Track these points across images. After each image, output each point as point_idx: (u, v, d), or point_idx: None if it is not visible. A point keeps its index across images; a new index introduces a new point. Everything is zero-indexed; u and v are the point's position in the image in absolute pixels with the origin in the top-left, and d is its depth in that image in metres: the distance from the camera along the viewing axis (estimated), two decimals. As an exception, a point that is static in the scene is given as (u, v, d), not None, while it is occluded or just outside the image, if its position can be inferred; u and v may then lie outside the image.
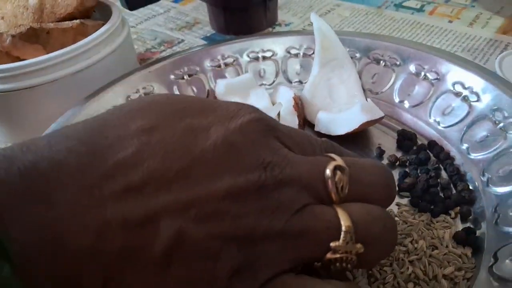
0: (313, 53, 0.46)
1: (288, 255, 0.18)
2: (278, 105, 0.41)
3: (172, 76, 0.45)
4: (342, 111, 0.41)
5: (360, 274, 0.29)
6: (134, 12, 0.71)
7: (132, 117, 0.18)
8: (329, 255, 0.18)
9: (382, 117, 0.38)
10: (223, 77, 0.46)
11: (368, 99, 0.40)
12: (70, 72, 0.42)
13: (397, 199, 0.34)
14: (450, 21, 0.57)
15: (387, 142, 0.39)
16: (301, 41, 0.47)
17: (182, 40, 0.62)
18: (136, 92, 0.42)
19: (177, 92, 0.44)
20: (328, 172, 0.19)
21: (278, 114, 0.41)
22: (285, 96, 0.42)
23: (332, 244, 0.18)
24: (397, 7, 0.62)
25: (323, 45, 0.44)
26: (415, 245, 0.29)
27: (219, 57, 0.47)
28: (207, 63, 0.47)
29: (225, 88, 0.44)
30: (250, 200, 0.17)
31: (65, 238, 0.15)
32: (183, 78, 0.45)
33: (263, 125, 0.20)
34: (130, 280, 0.16)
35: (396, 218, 0.32)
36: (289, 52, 0.47)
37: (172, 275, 0.16)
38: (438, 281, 0.27)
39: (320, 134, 0.40)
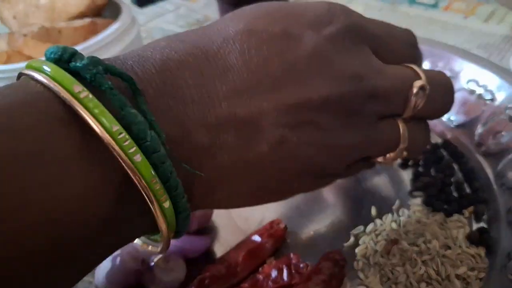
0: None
1: (361, 155, 0.22)
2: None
3: None
4: None
5: (371, 273, 0.29)
6: (144, 10, 0.71)
7: (230, 22, 0.19)
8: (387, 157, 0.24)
9: None
10: None
11: None
12: (81, 71, 0.42)
13: (410, 199, 0.34)
14: (465, 17, 0.56)
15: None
16: None
17: None
18: None
19: None
20: (415, 91, 0.21)
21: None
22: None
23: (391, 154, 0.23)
24: (411, 2, 0.61)
25: None
26: (428, 245, 0.29)
27: None
28: None
29: None
30: (334, 110, 0.19)
31: (192, 134, 0.17)
32: None
33: (355, 32, 0.20)
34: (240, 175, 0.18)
35: (409, 218, 0.32)
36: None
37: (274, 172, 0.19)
38: (451, 281, 0.27)
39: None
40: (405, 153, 0.23)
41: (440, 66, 0.40)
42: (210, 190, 0.18)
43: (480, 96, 0.36)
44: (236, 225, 0.34)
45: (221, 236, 0.33)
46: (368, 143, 0.21)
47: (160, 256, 0.29)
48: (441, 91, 0.23)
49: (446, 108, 0.24)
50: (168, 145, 0.15)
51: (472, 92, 0.37)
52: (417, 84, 0.20)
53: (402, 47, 0.23)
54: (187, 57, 0.17)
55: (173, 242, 0.31)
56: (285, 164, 0.19)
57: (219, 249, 0.32)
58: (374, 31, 0.21)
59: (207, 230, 0.33)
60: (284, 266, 0.29)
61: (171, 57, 0.17)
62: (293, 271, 0.29)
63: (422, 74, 0.21)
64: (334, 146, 0.20)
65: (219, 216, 0.34)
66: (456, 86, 0.38)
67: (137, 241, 0.20)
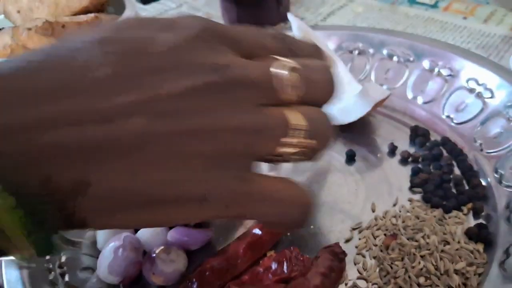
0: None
1: (250, 149, 0.20)
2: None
3: None
4: (343, 99, 0.41)
5: (371, 267, 0.29)
6: (147, 7, 0.71)
7: (91, 32, 0.19)
8: (283, 149, 0.20)
9: (389, 95, 0.38)
10: None
11: (371, 81, 0.40)
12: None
13: (409, 195, 0.34)
14: (465, 18, 0.56)
15: (400, 138, 0.39)
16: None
17: None
18: None
19: None
20: (277, 73, 0.20)
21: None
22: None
23: (283, 140, 0.20)
24: (411, 3, 0.62)
25: None
26: (427, 240, 0.29)
27: None
28: None
29: None
30: (206, 98, 0.19)
31: (34, 133, 0.16)
32: None
33: (211, 34, 0.20)
34: (101, 171, 0.17)
35: (408, 214, 0.32)
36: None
37: (142, 170, 0.17)
38: (450, 275, 0.27)
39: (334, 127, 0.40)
40: (313, 141, 0.21)
41: (440, 65, 0.40)
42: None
43: (479, 94, 0.37)
44: (240, 221, 0.34)
45: (222, 228, 0.33)
46: (249, 129, 0.19)
47: (161, 247, 0.29)
48: (317, 74, 0.23)
49: (327, 90, 0.24)
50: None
51: (471, 90, 0.38)
52: (279, 67, 0.20)
53: (268, 45, 0.23)
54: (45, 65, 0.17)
55: (174, 234, 0.31)
56: (165, 159, 0.18)
57: (220, 242, 0.32)
58: (233, 35, 0.21)
59: (208, 223, 0.34)
60: (284, 259, 0.29)
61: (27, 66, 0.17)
62: (293, 264, 0.29)
63: (285, 60, 0.21)
64: (215, 130, 0.18)
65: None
66: (456, 84, 0.39)
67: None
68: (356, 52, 0.45)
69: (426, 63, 0.41)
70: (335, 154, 0.38)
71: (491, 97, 0.36)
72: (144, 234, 0.31)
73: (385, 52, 0.44)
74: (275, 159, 0.21)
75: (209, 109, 0.18)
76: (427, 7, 0.60)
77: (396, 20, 0.58)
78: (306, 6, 0.64)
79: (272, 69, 0.20)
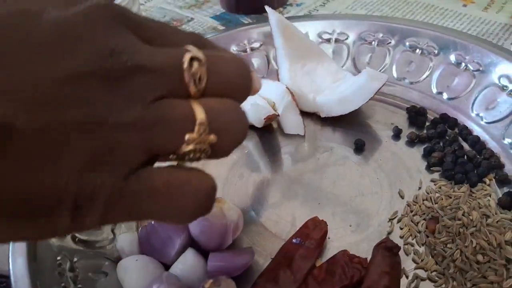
0: (347, 38, 0.45)
1: (143, 146, 0.17)
2: (282, 99, 0.38)
3: None
4: (337, 89, 0.40)
5: (424, 255, 0.29)
6: None
7: None
8: (183, 147, 0.18)
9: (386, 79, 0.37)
10: (250, 63, 0.44)
11: (367, 67, 0.39)
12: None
13: (428, 175, 0.34)
14: (465, 5, 0.56)
15: (399, 121, 0.39)
16: (334, 25, 0.46)
17: (192, 19, 0.59)
18: None
19: None
20: (184, 62, 0.18)
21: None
22: (277, 90, 0.40)
23: (186, 136, 0.17)
24: None
25: (286, 36, 0.42)
26: (470, 217, 0.30)
27: (245, 41, 0.45)
28: (233, 48, 0.44)
29: None
30: (96, 87, 0.16)
31: None
32: None
33: (112, 11, 0.17)
34: None
35: (438, 194, 0.32)
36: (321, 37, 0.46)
37: (9, 169, 0.14)
38: (504, 247, 0.28)
39: (331, 119, 0.39)
40: (212, 137, 0.18)
41: (467, 59, 0.39)
42: None
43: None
44: (267, 230, 0.31)
45: (257, 245, 0.30)
46: (145, 124, 0.17)
47: (209, 280, 0.25)
48: (228, 66, 0.20)
49: (240, 84, 0.21)
50: None
51: (503, 88, 0.37)
52: (187, 56, 0.18)
53: (179, 36, 0.20)
54: None
55: (214, 262, 0.28)
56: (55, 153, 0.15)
57: (260, 259, 0.30)
58: (141, 20, 0.19)
59: (241, 242, 0.31)
60: (338, 266, 0.28)
61: None
62: (350, 269, 0.27)
63: (195, 49, 0.19)
64: (102, 123, 0.16)
65: (248, 224, 0.32)
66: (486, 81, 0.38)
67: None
68: (376, 43, 0.43)
69: (452, 57, 0.40)
70: (343, 146, 0.37)
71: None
72: (180, 268, 0.27)
73: (407, 43, 0.42)
74: (179, 157, 0.18)
75: (96, 99, 0.16)
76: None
77: (395, 6, 0.57)
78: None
79: (179, 59, 0.18)
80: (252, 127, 0.38)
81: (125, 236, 0.29)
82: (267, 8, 0.42)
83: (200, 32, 0.53)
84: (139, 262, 0.27)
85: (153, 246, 0.28)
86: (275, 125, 0.40)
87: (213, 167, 0.37)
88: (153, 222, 0.29)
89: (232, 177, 0.35)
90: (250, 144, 0.38)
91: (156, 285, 0.25)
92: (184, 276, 0.27)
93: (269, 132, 0.39)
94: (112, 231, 0.31)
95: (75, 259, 0.28)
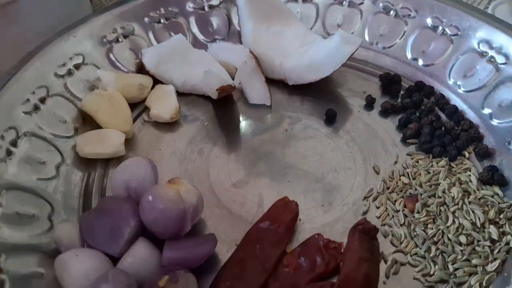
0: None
1: None
2: (244, 65, 0.34)
3: (146, 19, 0.37)
4: (307, 53, 0.36)
5: (404, 237, 0.26)
6: None
7: None
8: None
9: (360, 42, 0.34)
10: (208, 22, 0.39)
11: (339, 29, 0.36)
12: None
13: (405, 149, 0.32)
14: None
15: (372, 89, 0.36)
16: None
17: None
18: (113, 32, 0.36)
19: (152, 38, 0.38)
20: None
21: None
22: (240, 54, 0.36)
23: None
24: None
25: None
26: (451, 194, 0.27)
27: None
28: (189, 5, 0.39)
29: (158, 57, 0.35)
30: None
31: None
32: (159, 22, 0.38)
33: None
34: None
35: (415, 169, 0.30)
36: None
37: None
38: (487, 227, 0.26)
39: (299, 87, 0.35)
40: None
41: (444, 22, 0.36)
42: None
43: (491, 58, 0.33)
44: (231, 213, 0.28)
45: (220, 231, 0.27)
46: None
47: (165, 276, 0.22)
48: None
49: None
50: None
51: (483, 54, 0.34)
52: None
53: None
54: None
55: (170, 254, 0.24)
56: None
57: (223, 247, 0.26)
58: None
59: (201, 228, 0.27)
60: (313, 251, 0.25)
61: None
62: (327, 255, 0.24)
63: None
64: None
65: (209, 207, 0.28)
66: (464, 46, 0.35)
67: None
68: (347, 3, 0.39)
69: (429, 21, 0.37)
70: (313, 117, 0.34)
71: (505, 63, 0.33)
72: (130, 262, 0.23)
73: (380, 4, 0.38)
74: None
75: None
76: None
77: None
78: None
79: None
80: (210, 97, 0.34)
81: (64, 225, 0.25)
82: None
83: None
84: (80, 257, 0.23)
85: (97, 236, 0.24)
86: (237, 95, 0.36)
87: (170, 143, 0.33)
88: (96, 206, 0.25)
89: (191, 153, 0.31)
90: (209, 116, 0.34)
91: (102, 285, 0.21)
92: (135, 271, 0.23)
93: (230, 104, 0.35)
94: (49, 218, 0.26)
95: (2, 258, 0.23)
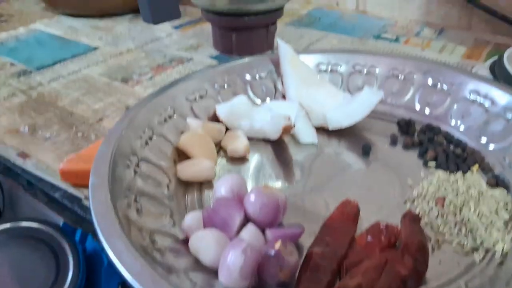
0: (340, 67, 0.53)
1: None
2: (299, 112, 0.45)
3: (216, 85, 0.49)
4: (342, 105, 0.47)
5: (437, 225, 0.35)
6: (136, 34, 0.79)
7: None
8: None
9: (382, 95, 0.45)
10: (260, 88, 0.51)
11: (365, 86, 0.47)
12: None
13: (427, 169, 0.41)
14: (422, 50, 0.67)
15: (392, 130, 0.46)
16: (328, 58, 0.53)
17: (191, 58, 0.68)
18: (193, 93, 0.47)
19: (219, 97, 0.48)
20: None
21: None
22: (291, 106, 0.47)
23: None
24: (376, 38, 0.73)
25: (293, 64, 0.51)
26: (469, 192, 0.36)
27: (254, 70, 0.52)
28: (247, 76, 0.51)
29: (228, 110, 0.46)
30: None
31: None
32: (223, 87, 0.50)
33: None
34: None
35: (437, 181, 0.39)
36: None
37: None
38: (499, 212, 0.34)
39: (335, 132, 0.46)
40: None
41: (441, 80, 0.48)
42: None
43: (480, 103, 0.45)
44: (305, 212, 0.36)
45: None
46: None
47: (279, 241, 0.29)
48: None
49: None
50: None
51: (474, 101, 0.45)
52: None
53: None
54: None
55: (274, 231, 0.32)
56: None
57: (306, 238, 0.34)
58: None
59: (286, 223, 0.35)
60: (378, 231, 0.33)
61: None
62: (389, 232, 0.32)
63: None
64: None
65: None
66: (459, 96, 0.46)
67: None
68: (365, 71, 0.52)
69: (429, 81, 0.49)
70: (350, 151, 0.44)
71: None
72: (246, 238, 0.31)
73: (391, 72, 0.51)
74: None
75: None
76: (391, 41, 0.71)
77: (365, 50, 0.66)
78: (286, 39, 0.68)
79: None
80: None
81: (192, 214, 0.33)
82: (278, 40, 0.49)
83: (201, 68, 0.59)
84: (211, 230, 0.31)
85: (215, 225, 0.32)
86: (287, 139, 0.46)
87: (244, 171, 0.41)
88: (211, 206, 0.33)
89: (262, 177, 0.40)
90: (268, 154, 0.44)
91: (237, 245, 0.28)
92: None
93: (283, 144, 0.45)
94: (171, 216, 0.34)
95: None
